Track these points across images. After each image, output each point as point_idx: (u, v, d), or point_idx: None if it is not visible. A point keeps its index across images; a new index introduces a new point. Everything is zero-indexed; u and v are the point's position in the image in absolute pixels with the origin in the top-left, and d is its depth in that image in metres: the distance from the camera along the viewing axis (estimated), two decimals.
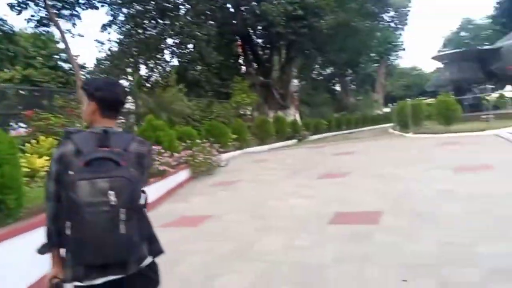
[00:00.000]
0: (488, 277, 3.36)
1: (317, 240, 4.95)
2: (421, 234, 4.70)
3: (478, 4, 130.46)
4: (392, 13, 52.66)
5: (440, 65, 79.66)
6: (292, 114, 35.47)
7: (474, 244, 4.14)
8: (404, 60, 78.55)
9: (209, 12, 26.34)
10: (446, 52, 28.73)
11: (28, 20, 21.55)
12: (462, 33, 72.08)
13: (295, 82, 40.66)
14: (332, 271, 3.96)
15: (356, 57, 48.30)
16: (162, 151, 9.89)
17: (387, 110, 63.30)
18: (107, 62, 27.83)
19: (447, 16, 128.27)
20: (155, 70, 28.45)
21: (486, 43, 35.51)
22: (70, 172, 1.79)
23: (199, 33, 24.32)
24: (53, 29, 23.69)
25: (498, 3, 34.49)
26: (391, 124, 25.78)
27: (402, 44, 57.66)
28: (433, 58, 23.52)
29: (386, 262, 4.00)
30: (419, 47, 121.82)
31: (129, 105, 17.73)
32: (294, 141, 24.10)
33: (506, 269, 3.49)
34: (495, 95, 28.35)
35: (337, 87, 57.31)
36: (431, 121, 19.33)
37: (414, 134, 16.66)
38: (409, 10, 51.59)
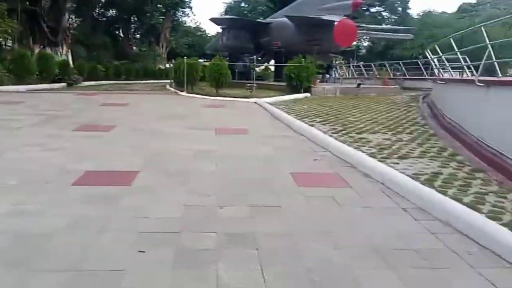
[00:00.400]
0: (224, 244, 3.43)
1: (53, 203, 4.21)
2: (170, 197, 4.60)
3: None
4: None
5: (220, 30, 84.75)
6: (64, 54, 31.39)
7: (217, 208, 4.27)
8: (191, 18, 79.62)
9: None
10: (223, 17, 30.56)
11: None
12: (243, 4, 78.14)
13: (70, 17, 35.90)
14: (58, 241, 3.36)
15: (142, 4, 46.18)
16: None
17: (169, 65, 64.06)
18: None
19: None
20: None
21: (261, 18, 39.30)
22: None
23: None
24: None
25: None
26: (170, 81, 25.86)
27: (189, 2, 58.07)
28: (211, 19, 24.51)
29: (126, 230, 3.66)
30: (205, 8, 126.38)
31: None
32: (63, 84, 21.23)
33: (241, 234, 3.65)
34: (262, 67, 32.04)
35: (121, 33, 53.67)
36: (206, 83, 20.25)
37: (188, 93, 17.07)
38: None
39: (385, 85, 19.62)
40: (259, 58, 25.77)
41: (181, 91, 17.80)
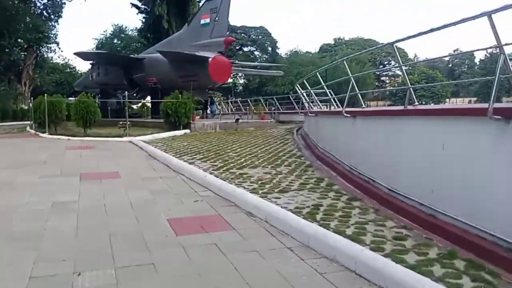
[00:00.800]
0: None
1: None
2: (11, 269, 3.59)
3: (129, 15, 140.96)
4: (45, 1, 48.50)
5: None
6: None
7: (73, 275, 3.43)
8: (58, 54, 73.69)
9: None
10: (90, 51, 28.70)
11: None
12: (116, 40, 75.36)
13: None
14: None
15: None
16: None
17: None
18: None
19: (101, 19, 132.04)
20: None
21: (136, 54, 38.21)
22: None
23: None
24: None
25: (144, 18, 37.95)
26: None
27: (55, 37, 53.78)
28: (76, 54, 22.73)
29: None
30: (75, 45, 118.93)
31: None
32: None
33: None
34: (139, 104, 30.75)
35: None
36: (73, 122, 18.41)
37: (51, 135, 15.14)
38: (64, 3, 48.82)
39: (262, 120, 20.32)
40: (134, 95, 24.65)
41: (43, 132, 15.73)
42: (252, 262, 3.86)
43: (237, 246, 4.27)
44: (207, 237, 4.51)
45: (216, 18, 18.89)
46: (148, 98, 29.05)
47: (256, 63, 40.40)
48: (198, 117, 18.49)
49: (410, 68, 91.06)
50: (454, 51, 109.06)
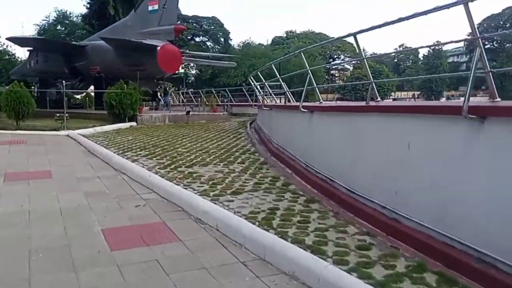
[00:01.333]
0: None
1: None
2: None
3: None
4: None
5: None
6: None
7: None
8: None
9: None
10: (24, 36, 26.27)
11: None
12: (59, 27, 70.78)
13: None
14: None
15: None
16: None
17: None
18: None
19: (44, 4, 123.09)
20: None
21: (79, 41, 35.83)
22: None
23: None
24: None
25: (88, 3, 35.63)
26: None
27: None
28: (8, 39, 20.70)
29: None
30: (14, 31, 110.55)
31: None
32: None
33: None
34: (83, 94, 28.84)
35: None
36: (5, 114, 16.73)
37: None
38: None
39: (214, 112, 19.59)
40: (77, 84, 22.95)
41: None
42: (200, 283, 3.30)
43: (183, 262, 3.70)
44: (147, 252, 3.89)
45: (165, 5, 17.83)
46: (92, 88, 27.36)
47: (208, 54, 39.31)
48: (147, 108, 17.41)
49: (359, 62, 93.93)
50: (400, 46, 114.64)
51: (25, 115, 13.00)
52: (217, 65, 31.00)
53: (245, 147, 10.58)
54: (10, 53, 72.68)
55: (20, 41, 21.30)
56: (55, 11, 69.97)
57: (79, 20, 66.65)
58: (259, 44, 76.05)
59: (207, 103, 20.64)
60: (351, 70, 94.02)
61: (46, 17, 70.18)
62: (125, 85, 15.77)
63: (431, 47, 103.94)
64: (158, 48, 17.59)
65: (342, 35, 5.49)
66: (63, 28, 69.40)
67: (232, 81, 47.38)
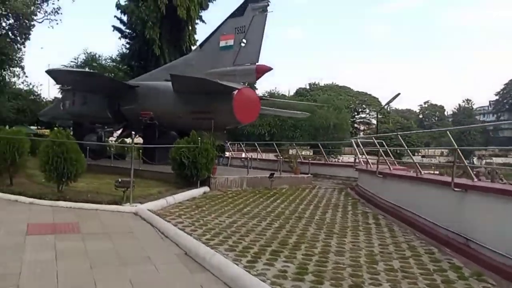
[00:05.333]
0: None
1: None
2: None
3: (103, 42, 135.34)
4: (12, 21, 42.93)
5: (59, 95, 73.34)
6: None
7: None
8: (22, 80, 66.69)
9: None
10: (68, 68, 23.19)
11: None
12: (86, 69, 69.64)
13: None
14: None
15: None
16: None
17: None
18: None
19: (72, 45, 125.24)
20: None
21: None
22: None
23: None
24: None
25: (128, 43, 33.23)
26: None
27: (20, 61, 47.71)
28: (49, 72, 17.31)
29: None
30: (41, 71, 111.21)
31: None
32: None
33: None
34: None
35: None
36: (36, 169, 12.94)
37: (2, 192, 9.35)
38: (33, 25, 43.36)
39: (296, 174, 15.52)
40: (120, 132, 19.37)
41: None
42: None
43: None
44: None
45: (244, 40, 14.40)
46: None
47: (286, 100, 35.85)
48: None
49: (384, 117, 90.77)
50: (425, 103, 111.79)
51: (71, 178, 9.03)
52: (291, 116, 27.40)
53: (410, 244, 6.30)
54: (36, 93, 71.48)
55: (59, 74, 17.82)
56: (84, 53, 69.45)
57: (109, 63, 65.63)
58: (282, 94, 73.62)
59: (289, 160, 16.42)
60: (375, 124, 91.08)
61: (75, 59, 69.51)
62: (198, 138, 11.89)
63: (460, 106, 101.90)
64: (235, 92, 13.91)
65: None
66: (91, 70, 68.25)
67: (256, 130, 43.78)
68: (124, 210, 8.25)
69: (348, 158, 36.47)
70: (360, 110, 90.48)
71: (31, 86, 66.57)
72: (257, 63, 14.06)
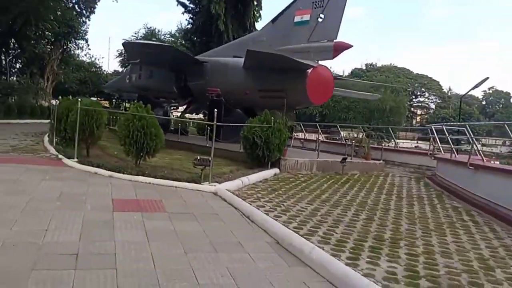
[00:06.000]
0: None
1: None
2: None
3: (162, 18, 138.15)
4: None
5: (119, 68, 75.49)
6: None
7: None
8: (85, 52, 69.53)
9: None
10: (146, 41, 23.22)
11: None
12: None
13: None
14: None
15: (25, 27, 36.90)
16: None
17: (55, 102, 52.76)
18: None
19: (132, 20, 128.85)
20: None
21: None
22: None
23: None
24: None
25: (191, 18, 33.06)
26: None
27: (85, 34, 49.52)
28: (125, 44, 17.38)
29: None
30: (102, 44, 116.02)
31: None
32: None
33: None
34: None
35: None
36: (108, 139, 13.08)
37: (81, 163, 9.58)
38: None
39: (367, 159, 14.65)
40: (185, 108, 19.34)
41: (69, 157, 10.24)
42: None
43: None
44: None
45: (321, 15, 13.54)
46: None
47: (358, 80, 34.58)
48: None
49: (444, 101, 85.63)
50: (489, 88, 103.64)
51: (150, 153, 8.93)
52: (361, 98, 26.27)
53: None
54: (97, 66, 74.32)
55: (135, 47, 17.77)
56: (144, 28, 70.87)
57: (167, 37, 66.52)
58: (337, 74, 71.03)
59: (360, 146, 15.57)
60: (433, 109, 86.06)
61: (135, 33, 71.12)
62: (271, 118, 11.40)
63: None
64: (309, 71, 13.18)
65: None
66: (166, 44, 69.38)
67: (308, 110, 42.14)
68: (204, 189, 7.99)
69: (403, 143, 34.45)
70: (418, 93, 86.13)
71: (93, 59, 69.37)
72: (335, 40, 13.19)
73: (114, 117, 19.69)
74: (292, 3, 14.82)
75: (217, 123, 9.50)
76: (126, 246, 4.79)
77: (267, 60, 13.38)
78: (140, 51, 16.77)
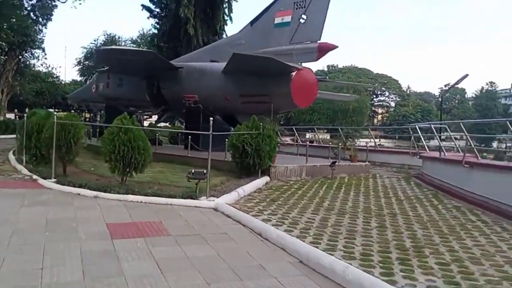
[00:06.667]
0: None
1: None
2: None
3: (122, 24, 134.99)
4: (34, 1, 42.24)
5: (77, 77, 72.23)
6: None
7: None
8: (41, 62, 66.26)
9: None
10: (124, 47, 21.68)
11: None
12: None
13: None
14: None
15: None
16: None
17: (10, 116, 49.79)
18: None
19: (91, 27, 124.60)
20: None
21: None
22: None
23: None
24: None
25: (157, 23, 32.08)
26: (14, 149, 16.17)
27: (41, 43, 47.08)
28: (99, 50, 16.38)
29: None
30: (59, 52, 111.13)
31: None
32: None
33: None
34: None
35: None
36: (85, 155, 12.16)
37: (60, 184, 8.62)
38: (56, 5, 42.52)
39: (353, 162, 14.46)
40: (158, 116, 18.48)
41: (45, 177, 9.26)
42: None
43: None
44: None
45: (303, 16, 13.22)
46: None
47: (342, 82, 34.32)
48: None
49: (403, 99, 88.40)
50: (445, 85, 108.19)
51: (138, 168, 8.17)
52: (337, 99, 26.13)
53: None
54: (54, 75, 71.08)
55: (111, 53, 16.49)
56: (104, 35, 68.50)
57: (128, 43, 64.55)
58: (321, 76, 71.66)
59: (344, 147, 15.32)
60: (393, 107, 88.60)
61: (95, 40, 68.65)
62: (260, 124, 10.92)
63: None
64: (293, 73, 12.83)
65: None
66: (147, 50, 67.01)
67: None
68: (202, 205, 7.38)
69: (366, 143, 34.83)
70: (379, 92, 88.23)
71: (49, 69, 66.17)
72: (319, 41, 12.90)
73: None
74: (272, 4, 14.44)
75: (212, 132, 8.90)
76: (139, 282, 4.15)
77: (253, 64, 12.89)
78: (116, 58, 15.72)
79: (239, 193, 8.56)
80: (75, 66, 71.58)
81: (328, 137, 34.47)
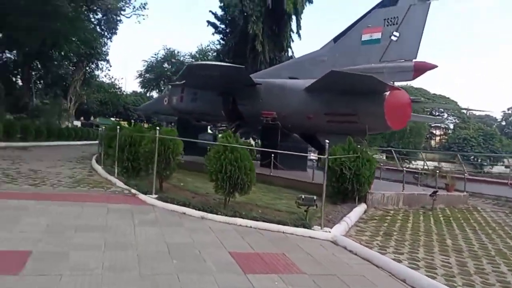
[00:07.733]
0: None
1: None
2: None
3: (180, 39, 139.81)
4: (100, 16, 44.34)
5: (138, 89, 74.80)
6: None
7: None
8: (105, 73, 69.69)
9: None
10: (213, 63, 21.47)
11: None
12: (165, 65, 71.17)
13: None
14: None
15: (50, 48, 36.80)
16: None
17: (77, 123, 52.45)
18: None
19: (150, 42, 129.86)
20: None
21: None
22: None
23: None
24: None
25: (222, 39, 32.43)
26: (97, 155, 16.48)
27: (106, 55, 49.33)
28: (192, 66, 16.15)
29: None
30: (121, 65, 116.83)
31: None
32: None
33: None
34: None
35: (19, 81, 42.62)
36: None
37: (162, 201, 8.17)
38: (120, 20, 44.41)
39: (449, 192, 13.22)
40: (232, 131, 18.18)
41: (144, 192, 9.05)
42: None
43: None
44: None
45: (396, 33, 12.47)
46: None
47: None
48: None
49: (462, 121, 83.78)
50: (508, 109, 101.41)
51: (244, 189, 7.67)
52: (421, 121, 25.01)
53: None
54: (117, 86, 74.23)
55: (203, 68, 16.07)
56: (164, 49, 70.89)
57: (187, 59, 66.23)
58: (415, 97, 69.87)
59: (444, 175, 14.15)
60: (452, 129, 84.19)
61: (155, 54, 71.26)
62: (355, 146, 10.18)
63: None
64: (387, 93, 12.01)
65: None
66: (170, 66, 69.56)
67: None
68: (318, 237, 6.70)
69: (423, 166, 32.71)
70: (437, 114, 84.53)
71: (112, 79, 69.30)
72: (414, 60, 12.04)
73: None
74: (358, 21, 13.75)
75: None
76: None
77: (348, 82, 12.19)
78: (206, 74, 15.47)
79: (347, 223, 7.81)
80: (136, 78, 74.48)
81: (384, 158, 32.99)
